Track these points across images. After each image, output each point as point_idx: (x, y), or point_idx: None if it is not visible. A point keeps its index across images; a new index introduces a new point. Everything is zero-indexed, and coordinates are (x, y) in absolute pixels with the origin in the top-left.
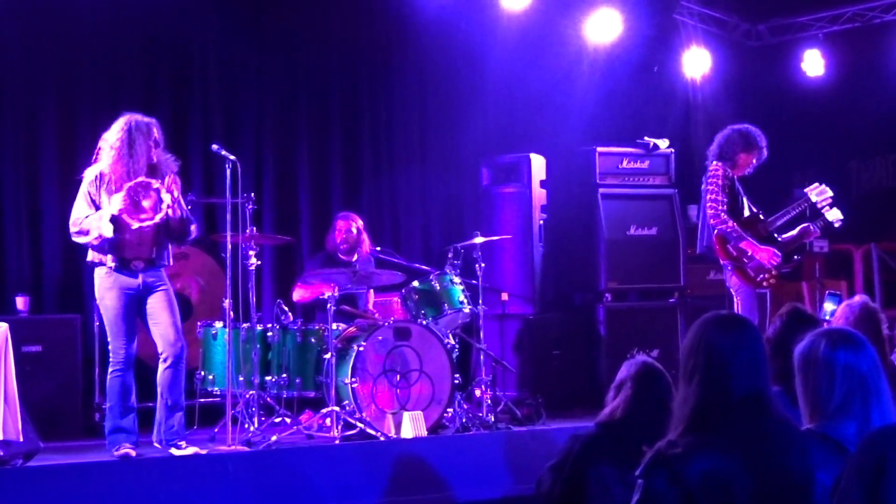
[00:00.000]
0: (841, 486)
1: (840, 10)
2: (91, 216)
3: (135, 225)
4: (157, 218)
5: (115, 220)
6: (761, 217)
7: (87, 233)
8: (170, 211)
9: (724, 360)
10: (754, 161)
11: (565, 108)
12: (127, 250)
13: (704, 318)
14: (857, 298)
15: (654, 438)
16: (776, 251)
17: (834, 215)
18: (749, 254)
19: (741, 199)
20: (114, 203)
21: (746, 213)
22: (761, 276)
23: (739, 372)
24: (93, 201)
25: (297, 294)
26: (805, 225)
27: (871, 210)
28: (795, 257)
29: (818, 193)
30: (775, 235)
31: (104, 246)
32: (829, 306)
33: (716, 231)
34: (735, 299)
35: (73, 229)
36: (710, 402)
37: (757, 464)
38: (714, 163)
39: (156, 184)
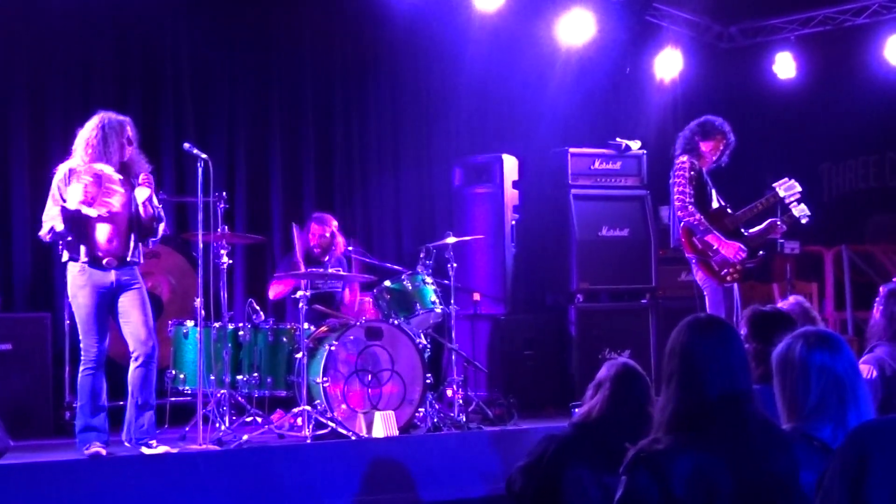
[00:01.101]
0: (824, 485)
1: (812, 13)
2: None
3: (93, 213)
4: (118, 206)
5: (75, 214)
6: (729, 211)
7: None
8: (142, 208)
9: (700, 364)
10: (721, 147)
11: (538, 108)
12: (98, 247)
13: (682, 323)
14: (791, 299)
15: (632, 439)
16: (742, 246)
17: (801, 211)
18: (714, 247)
19: (709, 190)
20: (72, 196)
21: (715, 205)
22: (725, 270)
23: (715, 375)
24: (61, 197)
25: (273, 291)
26: (772, 220)
27: (842, 212)
28: (760, 253)
29: (786, 188)
30: (742, 230)
31: (60, 240)
32: None
33: (682, 223)
34: (704, 295)
35: (42, 230)
36: (689, 406)
37: (739, 463)
38: (679, 157)
39: (116, 177)
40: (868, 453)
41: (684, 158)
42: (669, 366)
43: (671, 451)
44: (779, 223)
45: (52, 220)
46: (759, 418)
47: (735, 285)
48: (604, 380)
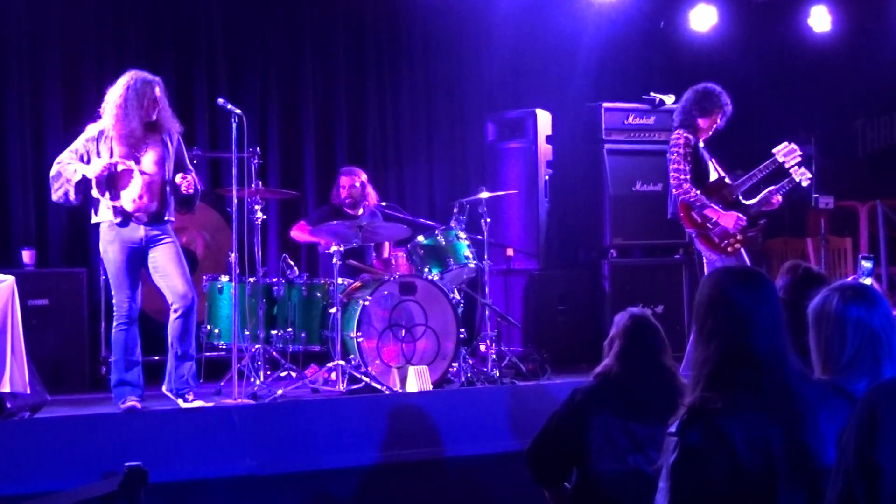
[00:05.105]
0: (842, 441)
1: None
2: (71, 165)
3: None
4: (146, 166)
5: (99, 177)
6: (727, 181)
7: (57, 178)
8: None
9: (746, 316)
10: (718, 119)
11: (571, 63)
12: (130, 204)
13: (719, 274)
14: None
15: (651, 388)
16: (740, 215)
17: (801, 174)
18: (713, 220)
19: (705, 163)
20: (95, 165)
21: (713, 176)
22: (725, 241)
23: (760, 330)
24: (81, 156)
25: (296, 233)
26: (768, 191)
27: (877, 168)
28: (761, 221)
29: (786, 153)
30: (741, 199)
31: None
32: (866, 264)
33: (679, 199)
34: (704, 265)
35: (52, 172)
36: (733, 361)
37: (789, 423)
38: (676, 131)
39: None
40: (881, 413)
41: (678, 133)
42: (709, 320)
43: (727, 411)
44: (773, 198)
45: (65, 179)
46: (801, 375)
47: (741, 252)
48: (614, 336)
